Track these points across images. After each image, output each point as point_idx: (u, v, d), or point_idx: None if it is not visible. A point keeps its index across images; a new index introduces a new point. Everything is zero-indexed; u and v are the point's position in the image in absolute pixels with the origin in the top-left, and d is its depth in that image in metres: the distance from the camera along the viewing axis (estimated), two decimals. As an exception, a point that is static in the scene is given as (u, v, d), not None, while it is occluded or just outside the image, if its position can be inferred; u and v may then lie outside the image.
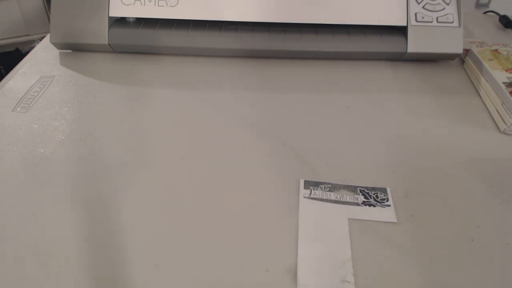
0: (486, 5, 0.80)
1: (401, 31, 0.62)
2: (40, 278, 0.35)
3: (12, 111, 0.53)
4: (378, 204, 0.41)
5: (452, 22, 0.61)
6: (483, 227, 0.39)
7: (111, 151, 0.47)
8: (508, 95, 0.51)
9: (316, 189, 0.42)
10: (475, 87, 0.59)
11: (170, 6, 0.61)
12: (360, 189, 0.42)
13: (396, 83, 0.59)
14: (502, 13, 0.78)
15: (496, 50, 0.61)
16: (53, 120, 0.52)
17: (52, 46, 0.65)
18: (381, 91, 0.58)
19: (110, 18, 0.62)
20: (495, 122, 0.52)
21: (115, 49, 0.64)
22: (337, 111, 0.54)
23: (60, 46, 0.65)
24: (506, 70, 0.56)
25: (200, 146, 0.47)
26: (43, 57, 0.65)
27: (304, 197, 0.41)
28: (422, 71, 0.62)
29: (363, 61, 0.65)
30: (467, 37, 0.73)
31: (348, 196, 0.42)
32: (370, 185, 0.43)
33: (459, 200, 0.42)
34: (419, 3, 0.61)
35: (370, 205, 0.41)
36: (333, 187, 0.42)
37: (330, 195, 0.42)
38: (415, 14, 0.61)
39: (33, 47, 0.70)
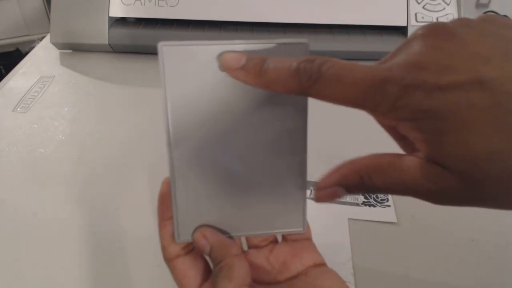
0: (486, 5, 0.80)
1: (401, 31, 0.62)
2: (40, 278, 0.35)
3: (12, 111, 0.53)
4: (378, 204, 0.41)
5: (452, 22, 0.61)
6: (483, 227, 0.39)
7: (111, 151, 0.47)
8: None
9: (316, 189, 0.42)
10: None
11: (170, 6, 0.61)
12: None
13: (396, 83, 0.59)
14: (502, 13, 0.78)
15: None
16: (53, 120, 0.52)
17: (52, 46, 0.65)
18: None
19: (110, 18, 0.62)
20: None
21: (115, 49, 0.64)
22: (337, 111, 0.54)
23: (60, 46, 0.65)
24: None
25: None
26: (43, 57, 0.65)
27: (304, 197, 0.41)
28: (422, 71, 0.62)
29: (363, 61, 0.65)
30: (467, 37, 0.72)
31: (348, 196, 0.41)
32: (370, 185, 0.43)
33: (459, 200, 0.42)
34: (419, 3, 0.61)
35: (370, 205, 0.41)
36: (333, 187, 0.42)
37: (330, 195, 0.42)
38: (415, 14, 0.61)
39: (33, 47, 0.70)
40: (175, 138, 0.23)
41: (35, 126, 0.51)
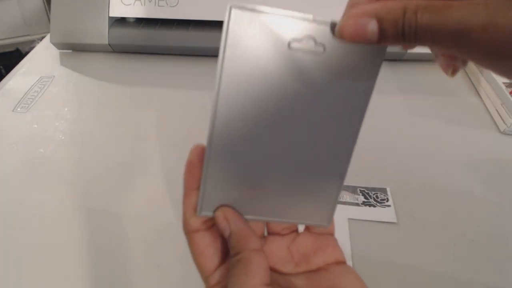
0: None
1: (401, 31, 0.62)
2: (41, 278, 0.35)
3: (12, 111, 0.53)
4: (378, 204, 0.41)
5: (452, 22, 0.61)
6: (483, 227, 0.39)
7: (111, 151, 0.47)
8: (508, 95, 0.51)
9: (316, 189, 0.42)
10: (475, 87, 0.59)
11: (170, 6, 0.61)
12: (360, 190, 0.42)
13: (396, 83, 0.59)
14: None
15: (496, 50, 0.61)
16: (53, 120, 0.52)
17: (52, 46, 0.65)
18: (381, 92, 0.58)
19: (110, 18, 0.62)
20: (495, 123, 0.52)
21: (115, 49, 0.64)
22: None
23: (60, 46, 0.65)
24: (506, 70, 0.56)
25: (200, 146, 0.47)
26: (43, 57, 0.65)
27: (304, 197, 0.41)
28: (422, 72, 0.62)
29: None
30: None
31: (348, 196, 0.41)
32: (370, 185, 0.43)
33: (459, 200, 0.42)
34: (419, 3, 0.61)
35: (370, 205, 0.41)
36: (333, 187, 0.42)
37: (330, 195, 0.42)
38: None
39: (33, 47, 0.70)
40: (222, 106, 0.21)
41: (35, 126, 0.51)
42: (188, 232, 0.24)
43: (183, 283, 0.35)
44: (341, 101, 0.22)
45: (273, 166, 0.23)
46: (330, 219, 0.25)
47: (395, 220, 0.39)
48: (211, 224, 0.24)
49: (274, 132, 0.22)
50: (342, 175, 0.24)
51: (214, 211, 0.23)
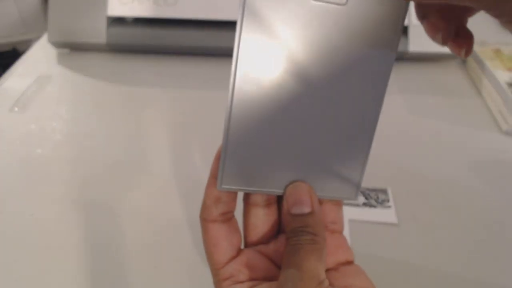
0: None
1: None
2: (39, 279, 0.35)
3: (9, 111, 0.53)
4: (379, 205, 0.40)
5: (453, 21, 0.60)
6: (485, 228, 0.39)
7: (109, 152, 0.47)
8: (510, 95, 0.51)
9: (317, 190, 0.42)
10: (476, 87, 0.58)
11: (169, 5, 0.60)
12: (360, 190, 0.42)
13: (397, 83, 0.59)
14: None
15: (498, 49, 0.61)
16: (51, 120, 0.51)
17: (49, 46, 0.64)
18: (381, 91, 0.58)
19: (108, 17, 0.61)
20: (497, 122, 0.52)
21: (113, 48, 0.63)
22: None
23: (58, 45, 0.64)
24: (509, 70, 0.56)
25: (200, 146, 0.47)
26: (40, 57, 0.65)
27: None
28: (424, 71, 0.62)
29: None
30: (468, 36, 0.72)
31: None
32: (370, 186, 0.42)
33: (459, 200, 0.42)
34: (419, 2, 0.61)
35: (370, 206, 0.40)
36: (334, 188, 0.42)
37: (330, 196, 0.41)
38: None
39: (30, 47, 0.70)
40: (242, 65, 0.20)
41: (33, 126, 0.51)
42: (205, 220, 0.23)
43: (181, 284, 0.35)
44: (362, 75, 0.21)
45: (295, 137, 0.22)
46: (358, 193, 0.24)
47: (396, 221, 0.39)
48: (228, 218, 0.24)
49: (295, 95, 0.21)
50: (368, 145, 0.23)
51: (288, 185, 0.22)
